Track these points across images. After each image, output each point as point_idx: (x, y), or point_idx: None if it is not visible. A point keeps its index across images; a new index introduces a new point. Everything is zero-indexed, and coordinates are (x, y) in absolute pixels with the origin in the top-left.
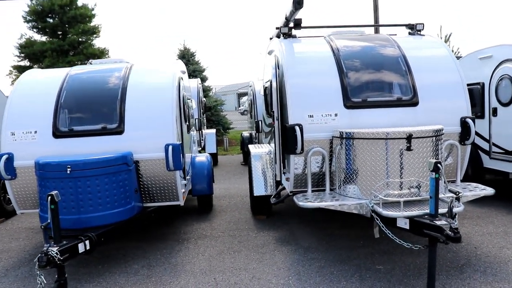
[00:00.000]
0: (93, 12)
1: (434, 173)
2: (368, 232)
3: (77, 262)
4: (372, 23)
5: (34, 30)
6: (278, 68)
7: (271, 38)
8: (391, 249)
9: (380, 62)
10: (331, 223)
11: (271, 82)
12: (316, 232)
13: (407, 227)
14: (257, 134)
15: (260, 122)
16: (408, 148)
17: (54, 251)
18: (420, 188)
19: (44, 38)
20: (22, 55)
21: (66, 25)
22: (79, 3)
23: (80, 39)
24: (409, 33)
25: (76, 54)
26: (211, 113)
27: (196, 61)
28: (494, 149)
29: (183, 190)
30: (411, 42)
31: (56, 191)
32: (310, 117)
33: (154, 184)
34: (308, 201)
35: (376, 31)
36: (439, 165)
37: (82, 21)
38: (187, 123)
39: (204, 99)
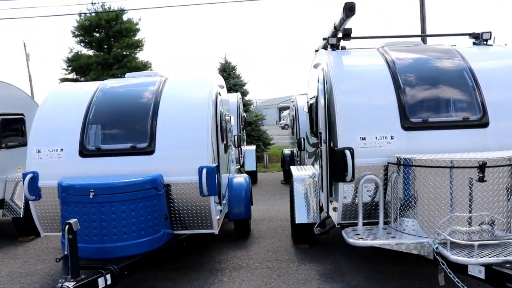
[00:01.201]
0: (137, 27)
1: None
2: (422, 270)
3: None
4: (420, 34)
5: (82, 44)
6: (326, 83)
7: (316, 50)
8: None
9: (442, 76)
10: (380, 257)
11: (317, 98)
12: (364, 267)
13: (482, 276)
14: (299, 152)
15: (302, 140)
16: (481, 179)
17: (69, 287)
18: (494, 226)
19: (90, 52)
20: (70, 68)
21: (112, 39)
22: (125, 18)
23: (124, 53)
24: (474, 43)
25: (120, 67)
26: (252, 128)
27: (237, 75)
28: None
29: (218, 217)
30: (477, 53)
31: (75, 220)
32: (363, 139)
33: (186, 211)
34: (360, 238)
35: (424, 43)
36: None
37: (127, 35)
38: (225, 142)
39: (244, 114)
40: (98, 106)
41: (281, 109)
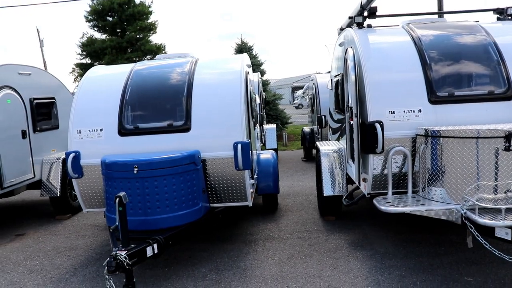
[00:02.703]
0: (150, 9)
1: None
2: (447, 238)
3: (143, 264)
4: (444, 10)
5: (95, 28)
6: (355, 61)
7: (341, 29)
8: (478, 258)
9: (467, 51)
10: (406, 226)
11: (343, 75)
12: (392, 236)
13: (509, 238)
14: (319, 129)
15: (323, 117)
16: (508, 148)
17: (122, 255)
18: None
19: (104, 36)
20: (84, 53)
21: (125, 23)
22: (137, 1)
23: (138, 36)
24: (498, 18)
25: (134, 50)
26: (270, 108)
27: (254, 55)
28: None
29: (251, 190)
30: (501, 28)
31: (124, 193)
32: (391, 113)
33: (222, 184)
34: (391, 205)
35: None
36: None
37: (140, 18)
38: (254, 119)
39: (264, 93)
40: (133, 87)
41: (295, 89)
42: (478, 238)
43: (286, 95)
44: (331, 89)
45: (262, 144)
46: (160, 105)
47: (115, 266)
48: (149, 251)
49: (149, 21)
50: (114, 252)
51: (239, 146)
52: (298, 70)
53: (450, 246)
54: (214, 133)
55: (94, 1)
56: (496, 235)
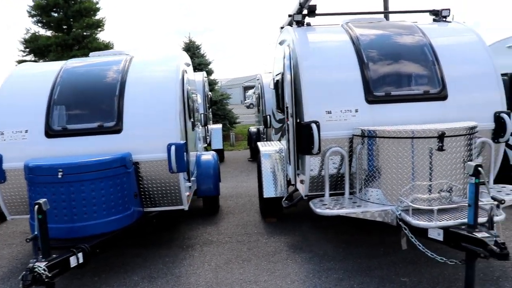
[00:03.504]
0: (97, 6)
1: (474, 178)
2: (386, 238)
3: (70, 272)
4: (384, 10)
5: (39, 24)
6: (292, 59)
7: (282, 27)
8: (415, 258)
9: (404, 51)
10: (347, 227)
11: (283, 75)
12: (332, 238)
13: (441, 238)
14: (265, 129)
15: (268, 117)
16: (440, 148)
17: (41, 267)
18: (452, 192)
19: (49, 33)
20: (27, 50)
21: (71, 19)
22: None
23: (84, 33)
24: (434, 20)
25: (81, 48)
26: (217, 108)
27: (202, 54)
28: None
29: (187, 193)
30: (437, 30)
31: (44, 199)
32: (328, 113)
33: (155, 188)
34: (327, 207)
35: (387, 20)
36: (479, 168)
37: (87, 15)
38: (192, 120)
39: (210, 93)
40: (62, 86)
41: (246, 89)
42: (412, 240)
43: (237, 94)
44: (273, 89)
45: (207, 145)
46: (91, 105)
47: (31, 279)
48: (73, 261)
49: (97, 17)
50: (31, 264)
51: (173, 147)
52: (250, 70)
53: (389, 247)
54: (147, 134)
55: None
56: (429, 236)
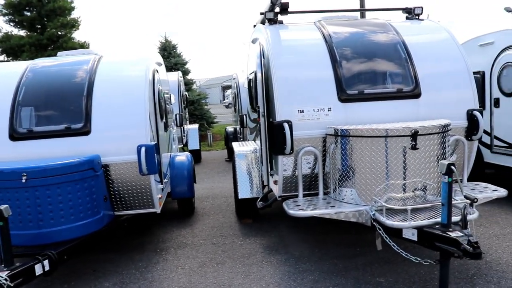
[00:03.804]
0: (72, 5)
1: (447, 177)
2: (363, 237)
3: (38, 279)
4: (358, 8)
5: (11, 24)
6: (263, 58)
7: (254, 26)
8: (391, 257)
9: (377, 49)
10: (323, 227)
11: (255, 73)
12: (308, 238)
13: (415, 238)
14: (241, 129)
15: (244, 116)
16: (414, 147)
17: (3, 276)
18: (426, 191)
19: (22, 32)
20: None
21: (45, 19)
22: None
23: (59, 33)
24: (407, 18)
25: (56, 48)
26: (194, 107)
27: (178, 53)
28: (496, 142)
29: (159, 196)
30: (410, 28)
31: (6, 205)
32: (300, 112)
33: (126, 191)
34: (300, 208)
35: (363, 17)
36: (452, 167)
37: (61, 14)
38: (164, 120)
39: (186, 92)
40: (28, 87)
41: (225, 88)
42: (386, 240)
43: (216, 94)
44: (247, 88)
45: (183, 145)
46: (57, 106)
47: None
48: (38, 269)
49: (72, 17)
50: None
51: (143, 149)
52: (229, 69)
53: (365, 246)
54: (116, 136)
55: None
56: (404, 236)
